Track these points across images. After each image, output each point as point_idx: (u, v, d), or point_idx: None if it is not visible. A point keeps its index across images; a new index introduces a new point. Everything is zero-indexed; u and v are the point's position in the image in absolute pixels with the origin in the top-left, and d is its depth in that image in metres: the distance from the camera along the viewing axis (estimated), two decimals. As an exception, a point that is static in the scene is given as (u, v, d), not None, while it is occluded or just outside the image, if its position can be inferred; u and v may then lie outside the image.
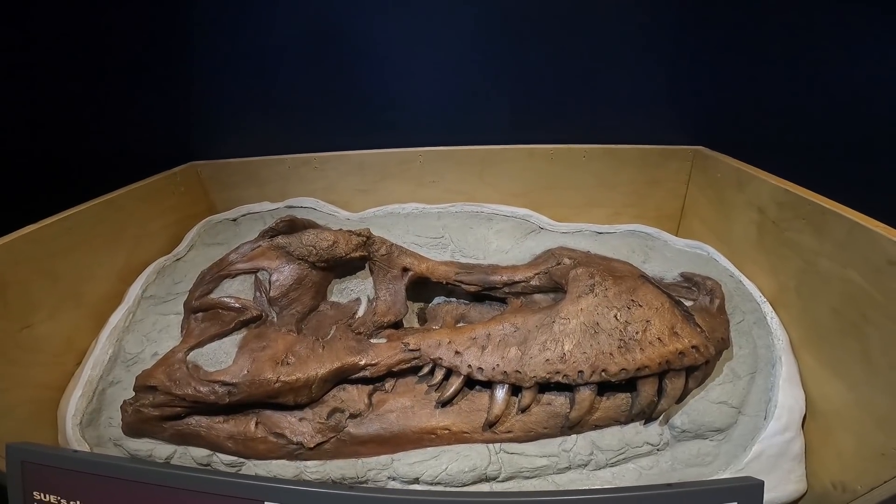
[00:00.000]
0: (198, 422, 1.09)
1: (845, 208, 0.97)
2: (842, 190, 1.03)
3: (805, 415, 1.04)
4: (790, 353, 1.09)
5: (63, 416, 1.12)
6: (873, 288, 0.87)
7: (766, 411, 1.04)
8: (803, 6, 1.40)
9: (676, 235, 1.44)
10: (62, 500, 0.86)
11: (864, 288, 0.89)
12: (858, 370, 0.91)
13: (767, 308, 1.16)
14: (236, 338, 1.16)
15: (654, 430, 1.06)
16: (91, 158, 1.80)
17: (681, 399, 1.03)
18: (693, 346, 0.97)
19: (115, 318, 1.29)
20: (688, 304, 1.11)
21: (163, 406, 1.07)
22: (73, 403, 1.12)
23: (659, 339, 0.98)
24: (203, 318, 1.22)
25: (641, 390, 1.00)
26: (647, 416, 1.04)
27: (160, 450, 1.10)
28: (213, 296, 1.23)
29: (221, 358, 1.11)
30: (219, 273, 1.26)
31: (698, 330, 1.00)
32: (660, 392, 1.00)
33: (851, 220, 0.93)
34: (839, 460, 0.95)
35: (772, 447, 1.01)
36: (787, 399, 1.03)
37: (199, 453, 1.09)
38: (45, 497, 0.87)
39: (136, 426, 1.10)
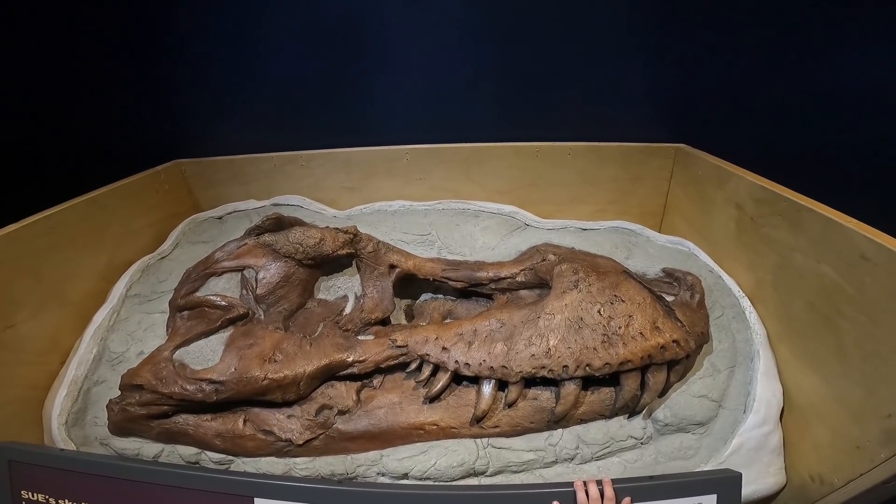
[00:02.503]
0: (185, 420, 1.09)
1: (819, 205, 1.00)
2: (817, 187, 1.06)
3: (783, 408, 1.06)
4: (768, 346, 1.12)
5: (48, 415, 1.11)
6: (846, 282, 0.90)
7: (745, 405, 1.07)
8: (783, 7, 1.43)
9: (659, 232, 1.47)
10: (50, 499, 0.86)
11: (838, 282, 0.92)
12: (833, 363, 0.93)
13: (746, 303, 1.19)
14: (223, 336, 1.16)
15: (637, 424, 1.08)
16: (74, 156, 1.77)
17: (663, 393, 1.05)
18: (674, 341, 0.99)
19: (100, 316, 1.28)
20: (669, 299, 1.13)
21: (149, 405, 1.07)
22: (59, 403, 1.11)
23: (641, 333, 1.00)
24: (189, 317, 1.21)
25: (625, 384, 1.02)
26: (631, 409, 1.06)
27: (147, 448, 1.10)
28: (199, 294, 1.23)
29: (208, 356, 1.11)
30: (205, 271, 1.26)
31: (679, 324, 1.03)
32: (642, 386, 1.02)
33: (825, 216, 0.95)
34: (816, 453, 0.97)
35: (751, 440, 1.03)
36: (765, 392, 1.05)
37: (187, 451, 1.09)
38: (32, 496, 0.86)
39: (122, 425, 1.09)
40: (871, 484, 0.84)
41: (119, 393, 1.10)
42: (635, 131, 1.62)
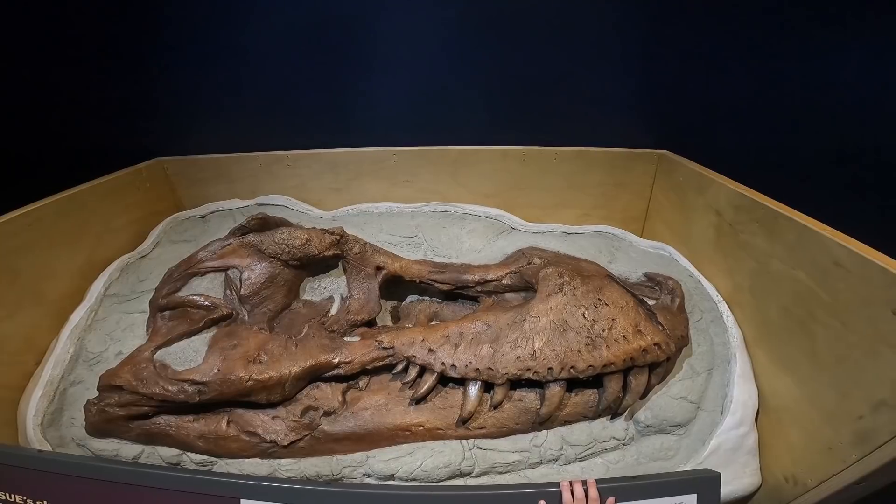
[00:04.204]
0: (166, 421, 1.08)
1: (795, 212, 1.02)
2: (796, 194, 1.09)
3: (758, 410, 1.09)
4: (744, 350, 1.14)
5: (23, 416, 1.09)
6: (820, 288, 0.92)
7: (722, 406, 1.09)
8: (766, 16, 1.47)
9: (641, 237, 1.49)
10: (28, 500, 0.84)
11: (812, 288, 0.94)
12: (806, 366, 0.96)
13: (724, 307, 1.21)
14: (206, 336, 1.14)
15: (619, 426, 1.10)
16: (53, 153, 1.73)
17: (644, 395, 1.07)
18: (655, 344, 1.01)
19: (77, 316, 1.25)
20: (651, 302, 1.16)
21: (129, 405, 1.05)
22: (34, 403, 1.09)
23: (624, 336, 1.02)
24: (171, 317, 1.19)
25: (608, 386, 1.03)
26: (613, 411, 1.08)
27: (126, 450, 1.08)
28: (181, 294, 1.21)
29: (190, 357, 1.10)
30: (187, 270, 1.24)
31: (660, 328, 1.05)
32: (625, 388, 1.04)
33: (801, 223, 0.98)
34: (790, 454, 0.99)
35: (728, 441, 1.05)
36: (742, 394, 1.08)
37: (168, 453, 1.08)
38: (10, 497, 0.84)
39: (100, 426, 1.07)
40: (843, 484, 0.86)
41: (97, 393, 1.08)
42: (620, 137, 1.65)
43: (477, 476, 1.05)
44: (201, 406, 1.06)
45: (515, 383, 1.07)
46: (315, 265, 1.30)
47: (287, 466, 1.05)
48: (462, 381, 1.08)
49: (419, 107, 1.64)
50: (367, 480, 1.05)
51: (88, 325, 1.25)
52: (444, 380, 1.10)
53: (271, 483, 0.85)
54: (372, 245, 1.29)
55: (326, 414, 1.08)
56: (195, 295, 1.19)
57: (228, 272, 1.22)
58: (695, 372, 1.13)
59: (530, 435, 1.08)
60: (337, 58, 1.57)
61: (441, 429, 1.07)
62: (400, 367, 1.12)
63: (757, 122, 1.62)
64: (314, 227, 1.26)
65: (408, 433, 1.07)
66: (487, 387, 1.07)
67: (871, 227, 0.97)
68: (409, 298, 1.38)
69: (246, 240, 1.24)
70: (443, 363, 1.06)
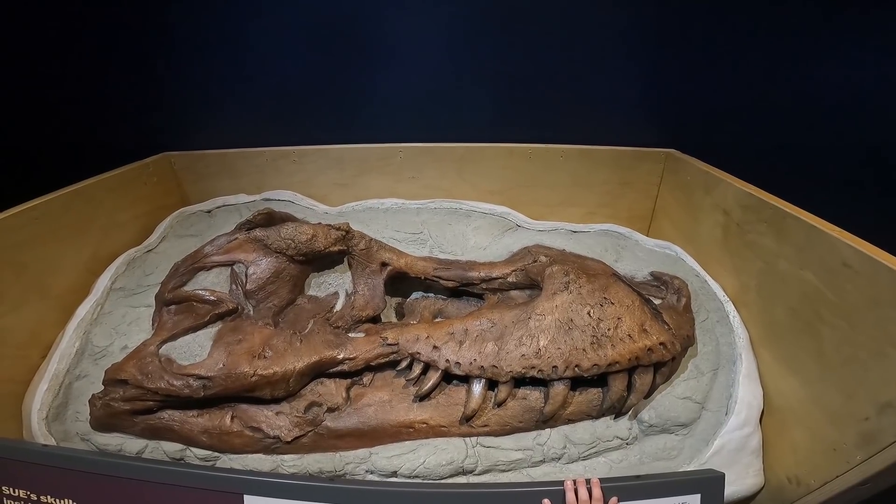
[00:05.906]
0: (170, 416, 1.08)
1: (804, 212, 1.02)
2: (802, 194, 1.08)
3: (762, 410, 1.08)
4: (750, 350, 1.14)
5: (28, 410, 1.09)
6: (828, 289, 0.92)
7: (727, 407, 1.09)
8: (773, 16, 1.46)
9: (647, 235, 1.49)
10: (31, 495, 0.84)
11: (820, 289, 0.94)
12: (812, 367, 0.96)
13: (730, 307, 1.21)
14: (211, 331, 1.14)
15: (623, 425, 1.10)
16: (60, 147, 1.74)
17: (648, 394, 1.07)
18: (661, 343, 1.01)
19: (83, 310, 1.25)
20: (656, 302, 1.15)
21: (134, 400, 1.05)
22: (39, 397, 1.09)
23: (629, 335, 1.01)
24: (176, 311, 1.20)
25: (612, 385, 1.03)
26: (617, 410, 1.07)
27: (130, 444, 1.08)
28: (187, 288, 1.21)
29: (195, 351, 1.10)
30: (193, 265, 1.24)
31: (666, 327, 1.05)
32: (629, 387, 1.04)
33: (809, 223, 0.97)
34: (794, 455, 0.99)
35: (732, 442, 1.05)
36: (747, 395, 1.07)
37: (172, 448, 1.08)
38: (13, 491, 0.84)
39: (105, 420, 1.07)
40: (847, 486, 0.86)
41: (102, 388, 1.08)
42: (627, 136, 1.64)
43: (480, 474, 1.05)
44: (206, 401, 1.06)
45: (519, 381, 1.07)
46: (320, 261, 1.30)
47: (290, 462, 1.05)
48: (466, 379, 1.08)
49: (425, 103, 1.64)
50: (370, 477, 1.05)
51: (94, 319, 1.25)
52: (447, 377, 1.10)
53: (274, 479, 0.85)
54: (377, 241, 1.29)
55: (330, 410, 1.08)
56: (201, 289, 1.19)
57: (234, 267, 1.22)
58: (700, 372, 1.13)
59: (534, 433, 1.08)
60: (343, 54, 1.56)
61: (444, 426, 1.07)
62: (404, 364, 1.12)
63: (765, 121, 1.62)
64: (320, 223, 1.26)
65: (411, 430, 1.07)
66: (491, 384, 1.07)
67: (879, 227, 0.96)
68: (414, 295, 1.37)
69: (252, 235, 1.24)
70: (447, 360, 1.06)
